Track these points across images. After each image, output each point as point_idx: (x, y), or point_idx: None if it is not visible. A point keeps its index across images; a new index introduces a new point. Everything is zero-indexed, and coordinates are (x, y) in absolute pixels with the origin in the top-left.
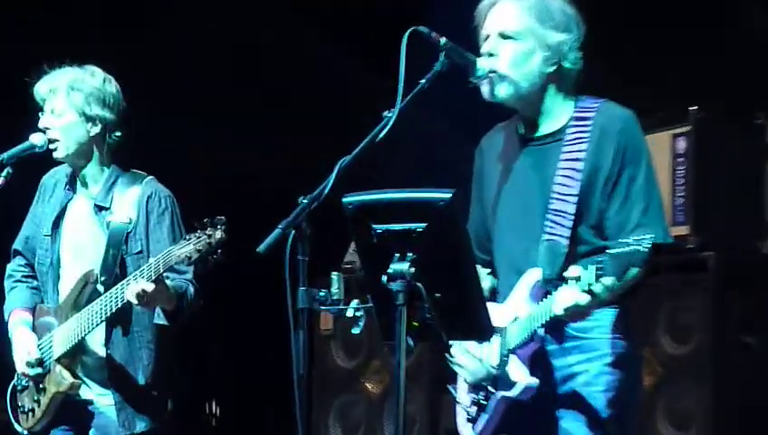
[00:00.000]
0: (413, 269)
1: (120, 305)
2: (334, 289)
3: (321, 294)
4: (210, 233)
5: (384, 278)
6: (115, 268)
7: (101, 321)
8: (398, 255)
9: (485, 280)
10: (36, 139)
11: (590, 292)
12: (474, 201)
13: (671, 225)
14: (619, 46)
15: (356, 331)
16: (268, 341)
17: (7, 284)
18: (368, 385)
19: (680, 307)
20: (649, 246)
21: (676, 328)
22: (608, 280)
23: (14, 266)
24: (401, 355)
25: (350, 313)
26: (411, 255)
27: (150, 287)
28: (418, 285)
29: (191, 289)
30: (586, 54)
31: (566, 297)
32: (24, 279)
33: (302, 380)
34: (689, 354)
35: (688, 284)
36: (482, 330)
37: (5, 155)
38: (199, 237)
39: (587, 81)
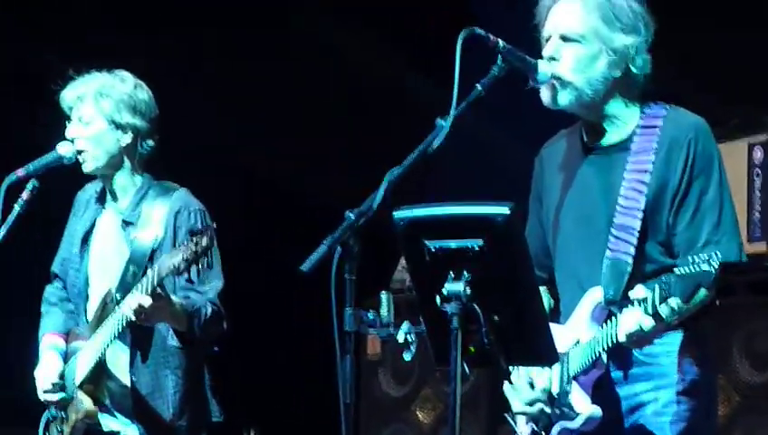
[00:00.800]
0: (469, 289)
1: (125, 323)
2: (383, 310)
3: (370, 316)
4: (197, 240)
5: (438, 299)
6: (133, 287)
7: (112, 340)
8: (452, 274)
9: (543, 297)
10: (64, 149)
11: (655, 315)
12: (531, 214)
13: (747, 241)
14: (688, 48)
15: (407, 357)
16: (312, 366)
17: (43, 308)
18: (419, 414)
19: (758, 331)
20: (718, 264)
21: (754, 354)
22: (674, 302)
23: (51, 289)
24: (456, 383)
25: (400, 337)
26: (467, 274)
27: (147, 301)
28: (475, 306)
29: (208, 309)
30: (655, 57)
31: (629, 322)
32: (58, 302)
33: (349, 408)
34: None
35: (766, 306)
36: (545, 354)
37: (31, 167)
38: (187, 246)
39: (655, 85)
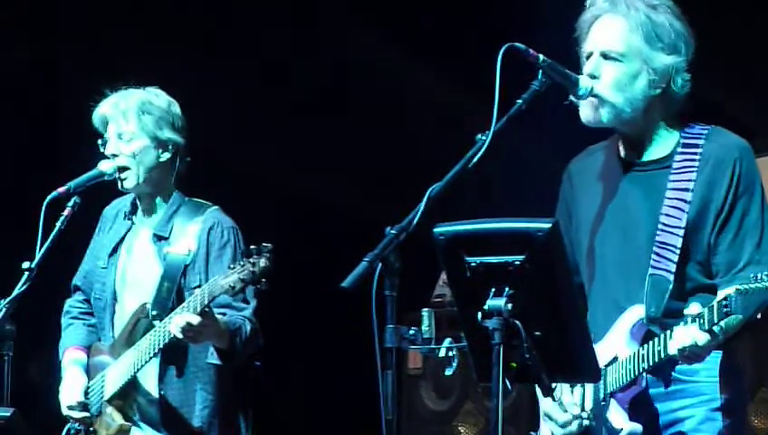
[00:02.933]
0: (510, 305)
1: (167, 341)
2: (425, 327)
3: (411, 332)
4: (254, 261)
5: (479, 315)
6: (169, 302)
7: (150, 357)
8: (494, 289)
9: None
10: (105, 166)
11: (710, 331)
12: None
13: None
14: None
15: (449, 372)
16: (353, 383)
17: (64, 321)
18: (461, 429)
19: None
20: None
21: None
22: (735, 319)
23: (72, 302)
24: (498, 398)
25: (442, 352)
26: (508, 289)
27: (196, 320)
28: (516, 322)
29: (247, 326)
30: (694, 69)
31: (684, 336)
32: (81, 316)
33: (391, 424)
34: None
35: None
36: (588, 371)
37: (72, 184)
38: (243, 266)
39: (694, 95)
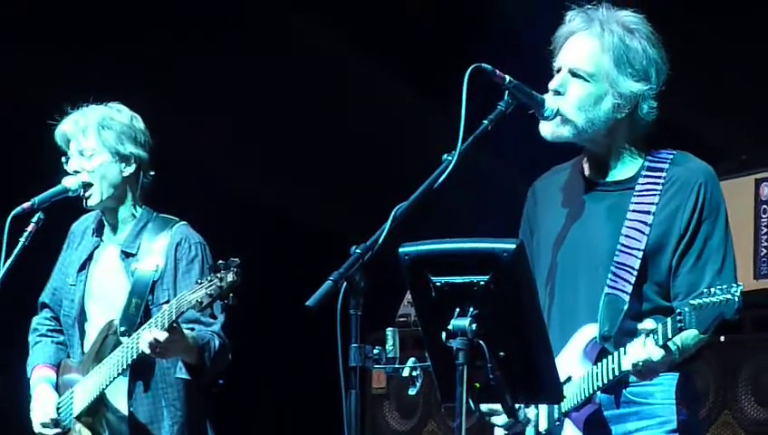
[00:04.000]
0: (475, 325)
1: (135, 357)
2: (389, 346)
3: (375, 351)
4: (222, 276)
5: (443, 335)
6: (137, 318)
7: (118, 374)
8: (458, 310)
9: None
10: (69, 182)
11: (665, 346)
12: None
13: (753, 277)
14: (696, 83)
15: (412, 392)
16: (317, 401)
17: (31, 338)
18: None
19: (764, 367)
20: (739, 293)
21: (761, 390)
22: (691, 336)
23: (40, 320)
24: (462, 418)
25: (406, 372)
26: (473, 310)
27: (163, 336)
28: (481, 342)
29: (216, 341)
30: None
31: (638, 351)
32: (49, 333)
33: None
34: None
35: None
36: (550, 392)
37: (37, 200)
38: (211, 281)
39: (662, 118)
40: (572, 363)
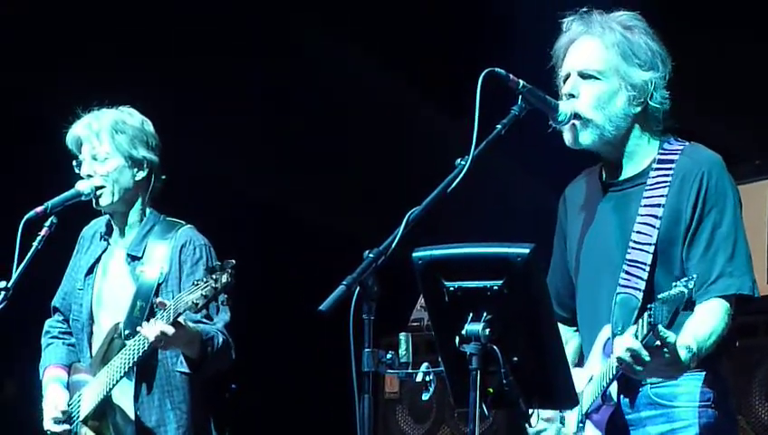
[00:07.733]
0: (488, 330)
1: (139, 356)
2: (402, 351)
3: (388, 356)
4: (217, 277)
5: (457, 340)
6: (142, 321)
7: (122, 376)
8: (471, 314)
9: (573, 339)
10: (83, 186)
11: (658, 348)
12: (555, 254)
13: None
14: (712, 88)
15: (425, 396)
16: (330, 406)
17: (44, 340)
18: None
19: None
20: (692, 285)
21: None
22: (660, 329)
23: (52, 323)
24: (475, 423)
25: (419, 377)
26: (486, 314)
27: (170, 330)
28: (494, 347)
29: (220, 338)
30: (676, 95)
31: (618, 347)
32: (61, 335)
33: None
34: None
35: None
36: (564, 397)
37: (50, 204)
38: (206, 282)
39: (678, 124)
40: (594, 364)
